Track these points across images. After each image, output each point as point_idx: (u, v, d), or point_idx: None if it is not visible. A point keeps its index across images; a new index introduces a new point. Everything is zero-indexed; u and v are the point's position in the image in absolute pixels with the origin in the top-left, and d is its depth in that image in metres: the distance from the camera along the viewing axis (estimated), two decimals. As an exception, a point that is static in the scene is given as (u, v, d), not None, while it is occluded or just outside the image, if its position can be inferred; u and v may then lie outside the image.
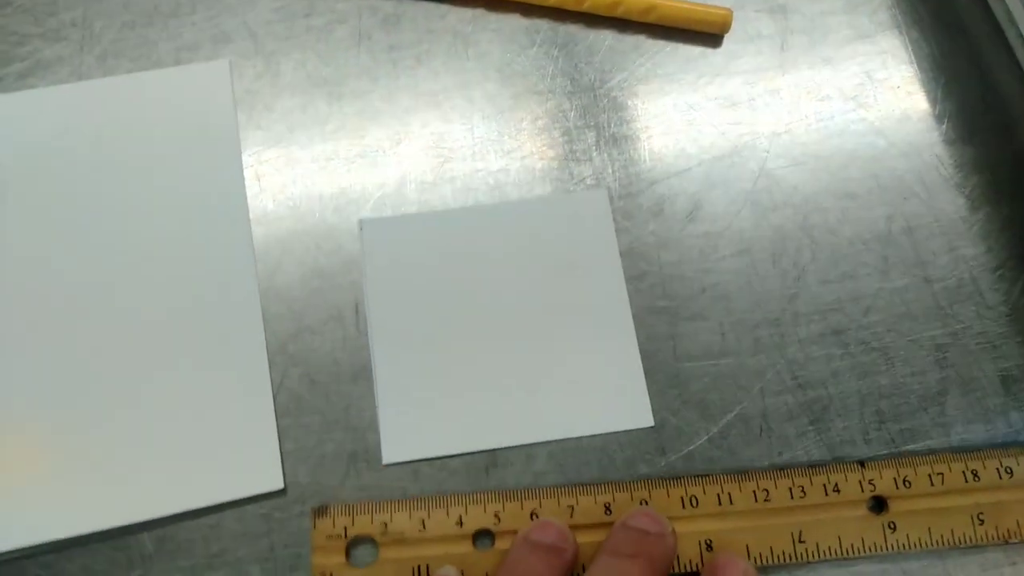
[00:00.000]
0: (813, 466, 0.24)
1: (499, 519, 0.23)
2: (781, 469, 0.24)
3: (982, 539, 0.23)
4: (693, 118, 0.29)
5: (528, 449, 0.25)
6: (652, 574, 0.22)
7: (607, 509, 0.23)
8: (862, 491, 0.24)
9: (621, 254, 0.27)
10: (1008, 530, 0.24)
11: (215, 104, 0.28)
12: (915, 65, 0.30)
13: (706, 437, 0.25)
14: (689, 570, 0.23)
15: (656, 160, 0.28)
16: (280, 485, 0.24)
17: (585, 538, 0.23)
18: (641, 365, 0.26)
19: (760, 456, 0.25)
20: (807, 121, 0.29)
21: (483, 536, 0.23)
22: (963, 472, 0.24)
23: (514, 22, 0.30)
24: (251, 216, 0.27)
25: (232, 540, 0.23)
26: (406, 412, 0.25)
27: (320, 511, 0.23)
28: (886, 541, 0.23)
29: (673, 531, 0.23)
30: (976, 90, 0.29)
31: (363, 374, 0.25)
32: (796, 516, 0.24)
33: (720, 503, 0.24)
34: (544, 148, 0.28)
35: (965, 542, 0.23)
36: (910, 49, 0.30)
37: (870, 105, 0.29)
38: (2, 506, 0.24)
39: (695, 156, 0.28)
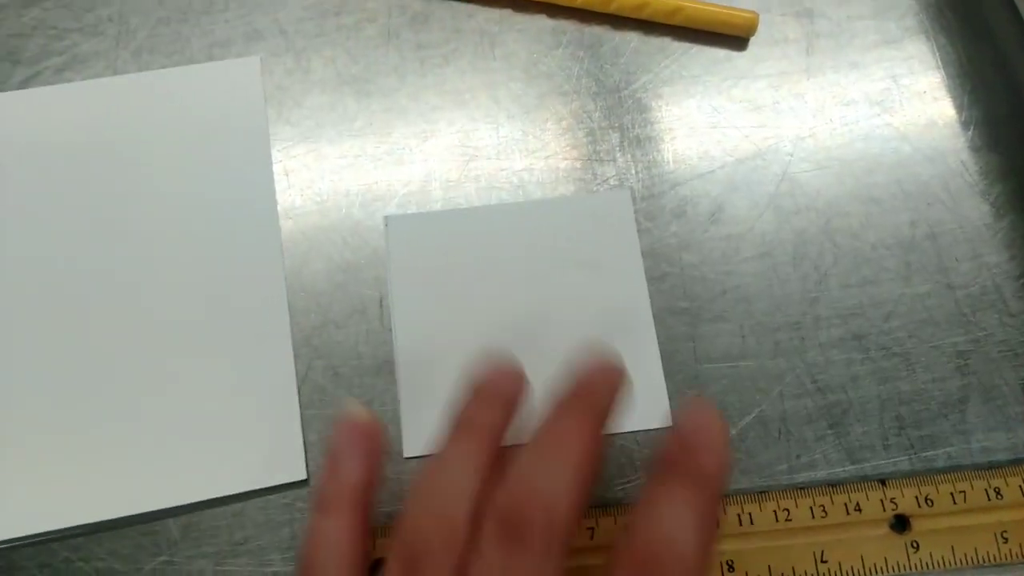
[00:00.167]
0: (834, 484, 0.24)
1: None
2: (802, 488, 0.24)
3: (1006, 558, 0.23)
4: (717, 121, 0.29)
5: (547, 446, 0.25)
6: (595, 426, 0.21)
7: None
8: (884, 510, 0.24)
9: (643, 254, 0.27)
10: (1032, 547, 0.24)
11: (246, 100, 0.28)
12: (942, 71, 0.30)
13: (724, 438, 0.25)
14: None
15: (679, 162, 0.28)
16: (303, 475, 0.24)
17: (606, 559, 0.23)
18: (661, 365, 0.26)
19: (778, 459, 0.25)
20: (832, 125, 0.29)
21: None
22: (986, 490, 0.24)
23: (541, 23, 0.30)
24: (279, 210, 0.27)
25: (255, 528, 0.24)
26: (428, 406, 0.25)
27: None
28: (909, 560, 0.23)
29: (623, 372, 0.22)
30: (1003, 98, 0.29)
31: (386, 368, 0.26)
32: (818, 536, 0.24)
33: (741, 523, 0.24)
34: (568, 148, 0.28)
35: (989, 561, 0.23)
36: (937, 55, 0.30)
37: (895, 110, 0.29)
38: (33, 491, 0.24)
39: (718, 159, 0.28)
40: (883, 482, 0.24)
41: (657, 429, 0.25)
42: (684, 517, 0.19)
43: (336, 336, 0.26)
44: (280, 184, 0.28)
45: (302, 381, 0.25)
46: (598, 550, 0.23)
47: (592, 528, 0.24)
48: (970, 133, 0.29)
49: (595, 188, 0.28)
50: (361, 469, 0.21)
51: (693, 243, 0.27)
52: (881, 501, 0.24)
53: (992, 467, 0.25)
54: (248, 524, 0.24)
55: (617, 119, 0.29)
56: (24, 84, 0.29)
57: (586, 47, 0.30)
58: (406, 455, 0.25)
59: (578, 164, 0.28)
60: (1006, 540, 0.23)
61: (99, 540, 0.24)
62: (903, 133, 0.29)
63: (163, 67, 0.29)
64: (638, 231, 0.27)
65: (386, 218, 0.27)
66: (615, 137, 0.29)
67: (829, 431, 0.25)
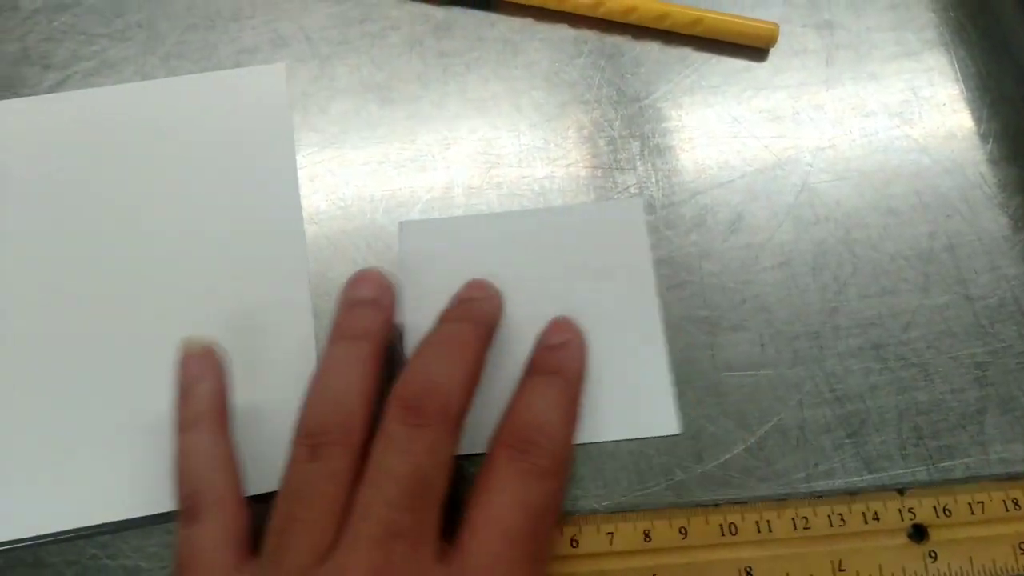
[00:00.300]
0: (852, 493, 0.25)
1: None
2: (820, 496, 0.25)
3: (1024, 569, 0.24)
4: (737, 131, 0.29)
5: (567, 451, 0.25)
6: (478, 330, 0.24)
7: (646, 536, 0.24)
8: (902, 519, 0.24)
9: (663, 262, 0.27)
10: (1050, 557, 0.24)
11: (270, 106, 0.29)
12: (961, 84, 0.30)
13: (743, 447, 0.25)
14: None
15: (699, 171, 0.29)
16: None
17: (624, 564, 0.24)
18: (669, 373, 0.26)
19: (796, 467, 0.25)
20: (851, 136, 0.29)
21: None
22: (1004, 501, 0.24)
23: (562, 32, 0.30)
24: (304, 215, 0.28)
25: (278, 528, 0.24)
26: None
27: None
28: (927, 570, 0.23)
29: (499, 292, 0.25)
30: (1022, 110, 0.29)
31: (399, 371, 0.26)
32: (836, 544, 0.24)
33: (759, 531, 0.24)
34: (589, 156, 0.29)
35: (1007, 572, 0.23)
36: (956, 67, 0.30)
37: (915, 122, 0.29)
38: (60, 488, 0.25)
39: (738, 168, 0.29)
40: (901, 491, 0.25)
41: (667, 437, 0.25)
42: (550, 402, 0.23)
43: (359, 340, 0.26)
44: (305, 189, 0.28)
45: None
46: (617, 555, 0.24)
47: (611, 534, 0.24)
48: (989, 146, 0.29)
49: (615, 196, 0.28)
50: (214, 387, 0.23)
51: (713, 252, 0.27)
52: (899, 510, 0.24)
53: (1010, 478, 0.25)
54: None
55: (638, 128, 0.29)
56: (54, 88, 0.29)
57: (607, 56, 0.30)
58: None
59: (599, 172, 0.29)
60: (1024, 551, 0.24)
61: (126, 538, 0.24)
62: (922, 145, 0.29)
63: (191, 73, 0.29)
64: (658, 239, 0.28)
65: (400, 223, 0.28)
66: (635, 146, 0.29)
67: (847, 440, 0.25)
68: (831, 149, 0.29)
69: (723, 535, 0.24)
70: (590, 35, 0.30)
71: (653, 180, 0.28)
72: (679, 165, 0.29)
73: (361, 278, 0.25)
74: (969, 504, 0.24)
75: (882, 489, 0.25)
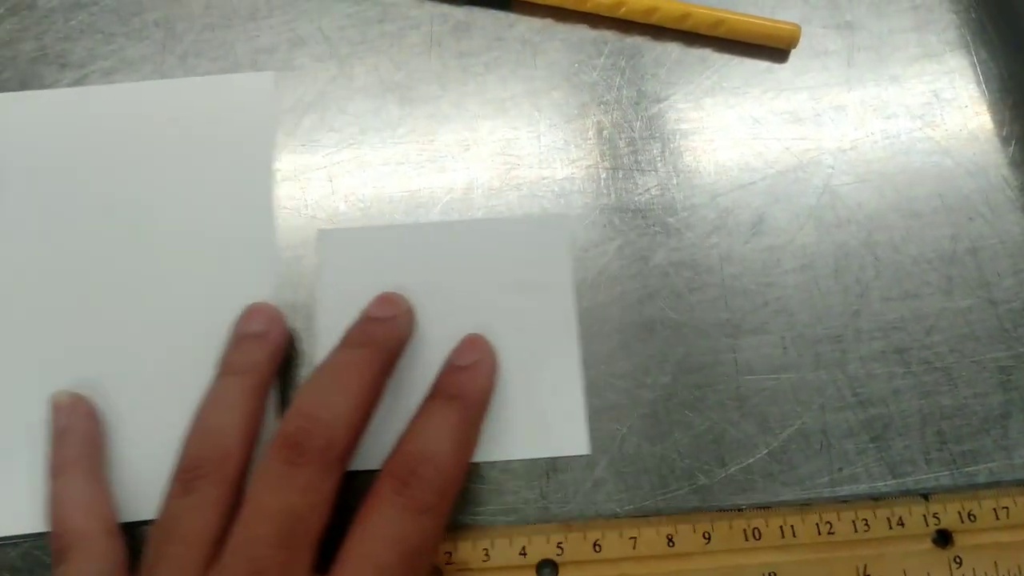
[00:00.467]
0: (876, 498, 0.24)
1: (562, 550, 0.24)
2: (844, 501, 0.24)
3: (1050, 573, 0.23)
4: (758, 132, 0.29)
5: (589, 456, 0.25)
6: (376, 359, 0.23)
7: (670, 541, 0.24)
8: (927, 525, 0.24)
9: (683, 265, 0.27)
10: (1075, 561, 0.23)
11: (256, 114, 0.29)
12: (983, 86, 0.30)
13: (766, 450, 0.25)
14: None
15: (720, 173, 0.28)
16: None
17: (648, 569, 0.23)
18: (582, 393, 0.26)
19: (819, 471, 0.25)
20: (873, 138, 0.29)
21: (546, 566, 0.24)
22: (1028, 504, 0.24)
23: (582, 32, 0.30)
24: (323, 215, 0.27)
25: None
26: None
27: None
28: (952, 576, 0.23)
29: (410, 311, 0.25)
30: (1045, 112, 0.29)
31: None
32: (860, 549, 0.24)
33: (783, 535, 0.24)
34: (610, 158, 0.29)
35: (1033, 575, 0.23)
36: (978, 69, 0.30)
37: (937, 124, 0.29)
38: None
39: (759, 170, 0.28)
40: (926, 497, 0.24)
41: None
42: (444, 431, 0.22)
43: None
44: (324, 190, 0.28)
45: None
46: (640, 559, 0.24)
47: (634, 538, 0.24)
48: (1011, 148, 0.29)
49: (637, 196, 0.28)
50: (83, 434, 0.24)
51: (734, 254, 0.27)
52: (924, 516, 0.24)
53: (1035, 481, 0.25)
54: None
55: (658, 129, 0.29)
56: (72, 87, 0.29)
57: (627, 57, 0.30)
58: None
59: (619, 174, 0.28)
60: (1049, 557, 0.23)
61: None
62: (944, 147, 0.29)
63: (209, 72, 0.29)
64: (679, 241, 0.27)
65: (319, 232, 0.27)
66: (656, 147, 0.29)
67: (871, 444, 0.25)
68: (853, 151, 0.29)
69: (747, 540, 0.24)
70: (610, 35, 0.30)
71: (674, 182, 0.28)
72: (700, 167, 0.29)
73: (250, 312, 0.25)
74: (994, 509, 0.24)
75: (906, 494, 0.25)
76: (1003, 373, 0.26)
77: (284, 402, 0.25)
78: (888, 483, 0.25)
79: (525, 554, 0.24)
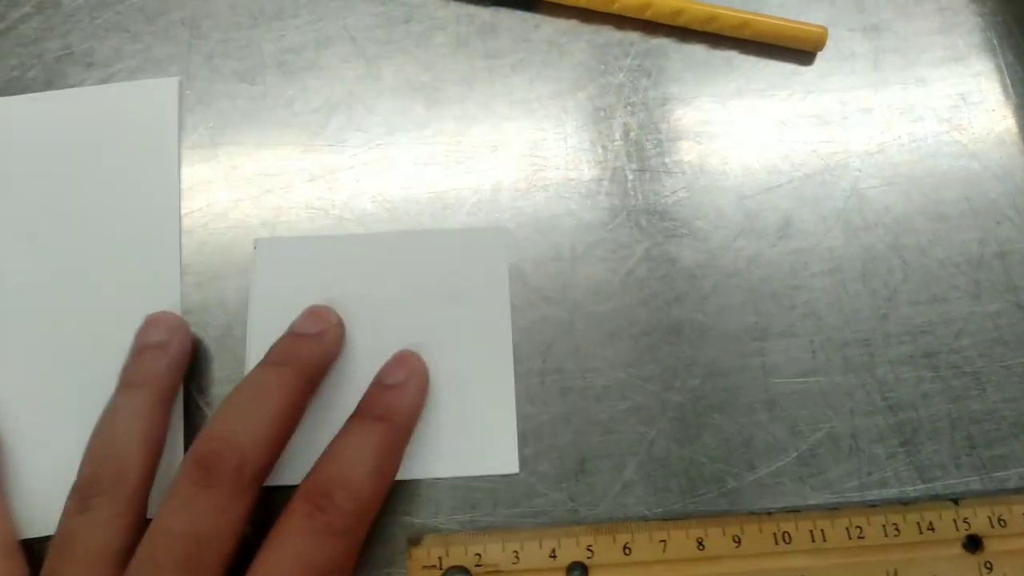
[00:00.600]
0: (906, 503, 0.24)
1: (592, 552, 0.24)
2: (874, 505, 0.24)
3: (1081, 579, 0.23)
4: (784, 135, 0.29)
5: (618, 458, 0.25)
6: (299, 378, 0.23)
7: (700, 544, 0.24)
8: (957, 529, 0.24)
9: (709, 267, 0.27)
10: (1106, 567, 0.23)
11: (159, 120, 0.28)
12: (1009, 89, 0.30)
13: (795, 454, 0.25)
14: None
15: (747, 175, 0.28)
16: None
17: (678, 573, 0.23)
18: (515, 410, 0.25)
19: (849, 475, 0.25)
20: (900, 141, 0.29)
21: (576, 569, 0.24)
22: (1059, 511, 0.24)
23: (608, 34, 0.30)
24: (351, 216, 0.27)
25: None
26: None
27: (414, 541, 0.24)
28: (983, 581, 0.23)
29: (338, 325, 0.25)
30: (1073, 116, 0.29)
31: (456, 375, 0.26)
32: (890, 554, 0.24)
33: (813, 539, 0.24)
34: (637, 159, 0.28)
35: (1063, 581, 0.23)
36: (1005, 72, 0.30)
37: (964, 127, 0.29)
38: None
39: (786, 172, 0.28)
40: (955, 501, 0.24)
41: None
42: (364, 453, 0.22)
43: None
44: (350, 190, 0.28)
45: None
46: (670, 563, 0.24)
47: (664, 541, 0.24)
48: (1039, 152, 0.29)
49: (664, 199, 0.28)
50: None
51: (761, 257, 0.27)
52: (954, 520, 0.24)
53: (1065, 488, 0.25)
54: (321, 528, 0.24)
55: (685, 131, 0.29)
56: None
57: (653, 58, 0.30)
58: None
59: (646, 176, 0.28)
60: (1080, 562, 0.23)
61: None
62: (971, 151, 0.29)
63: (235, 71, 0.29)
64: (705, 243, 0.27)
65: (255, 240, 0.27)
66: (683, 149, 0.29)
67: (900, 449, 0.25)
68: (880, 154, 0.29)
69: (777, 544, 0.24)
70: (635, 37, 0.30)
71: (701, 184, 0.28)
72: (726, 169, 0.28)
73: (150, 322, 0.25)
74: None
75: (936, 499, 0.25)
76: (1032, 378, 0.26)
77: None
78: (917, 487, 0.25)
79: (555, 556, 0.24)
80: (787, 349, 0.26)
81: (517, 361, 0.26)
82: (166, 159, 0.28)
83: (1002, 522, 0.24)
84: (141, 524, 0.21)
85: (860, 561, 0.24)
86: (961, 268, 0.27)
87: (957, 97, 0.29)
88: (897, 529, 0.24)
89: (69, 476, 0.22)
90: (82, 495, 0.21)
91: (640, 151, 0.29)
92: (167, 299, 0.26)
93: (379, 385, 0.24)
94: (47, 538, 0.23)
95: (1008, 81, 0.30)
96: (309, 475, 0.22)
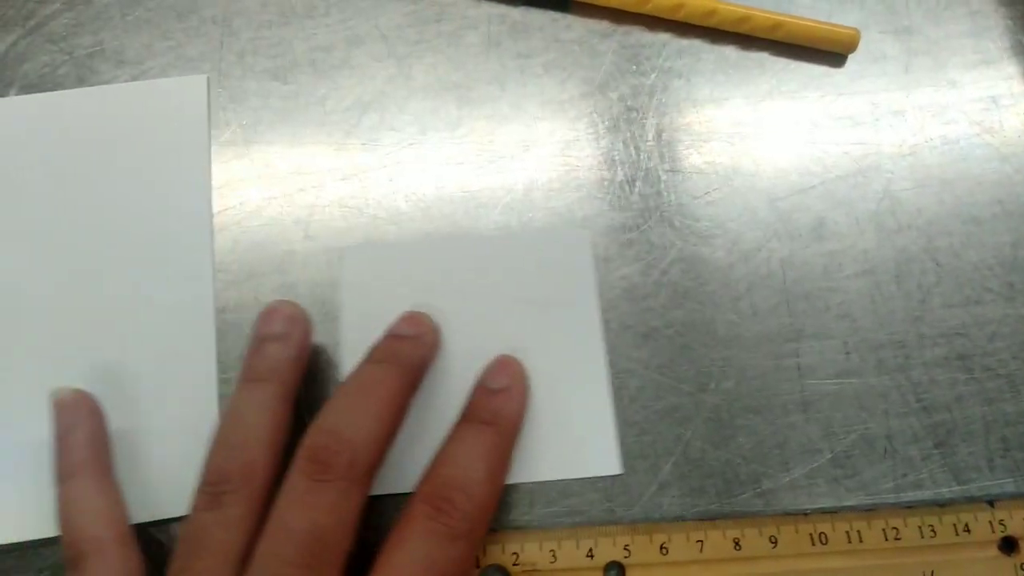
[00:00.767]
0: (942, 504, 0.24)
1: (629, 552, 0.24)
2: (910, 507, 0.24)
3: (1117, 580, 0.23)
4: (816, 136, 0.29)
5: (653, 459, 0.25)
6: (402, 376, 0.23)
7: (736, 544, 0.24)
8: (992, 531, 0.24)
9: (743, 268, 0.27)
10: None
11: (189, 117, 0.28)
12: (1040, 92, 0.30)
13: (830, 455, 0.25)
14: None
15: (779, 177, 0.28)
16: None
17: (715, 573, 0.23)
18: (612, 412, 0.25)
19: (884, 477, 0.25)
20: (932, 144, 0.29)
21: (613, 568, 0.24)
22: (1095, 513, 0.24)
23: (639, 35, 0.30)
24: (384, 215, 0.27)
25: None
26: None
27: None
28: (1018, 583, 0.23)
29: (435, 330, 0.25)
30: (1104, 120, 0.29)
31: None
32: (927, 556, 0.24)
33: (849, 540, 0.24)
34: (669, 160, 0.28)
35: (1098, 583, 0.23)
36: (1035, 76, 0.30)
37: (995, 130, 0.29)
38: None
39: (818, 174, 0.28)
40: (991, 503, 0.24)
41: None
42: (477, 457, 0.22)
43: (440, 342, 0.26)
44: (384, 189, 0.28)
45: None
46: (707, 563, 0.24)
47: (701, 541, 0.24)
48: (1070, 155, 0.29)
49: (697, 200, 0.28)
50: (89, 434, 0.24)
51: (795, 259, 0.27)
52: (990, 522, 0.24)
53: (1100, 491, 0.25)
54: (358, 527, 0.24)
55: (717, 132, 0.29)
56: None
57: (685, 59, 0.30)
58: None
59: (678, 177, 0.28)
60: (1115, 565, 0.23)
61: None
62: (1003, 154, 0.29)
63: (266, 70, 0.29)
64: (737, 244, 0.27)
65: (344, 249, 0.27)
66: (715, 150, 0.29)
67: (935, 451, 0.25)
68: (912, 156, 0.29)
69: (813, 544, 0.24)
70: (667, 38, 0.30)
71: (733, 185, 0.28)
72: (759, 170, 0.28)
73: (269, 312, 0.24)
74: (1060, 517, 0.24)
75: (970, 500, 0.25)
76: (1066, 380, 0.26)
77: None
78: (953, 489, 0.25)
79: (592, 556, 0.24)
80: (821, 350, 0.26)
81: (552, 361, 0.26)
82: (197, 156, 0.28)
83: (1038, 525, 0.24)
84: (263, 521, 0.21)
85: (896, 563, 0.24)
86: (994, 271, 0.27)
87: (988, 100, 0.29)
88: (933, 531, 0.24)
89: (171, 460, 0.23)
90: (212, 491, 0.21)
91: (673, 152, 0.29)
92: (200, 297, 0.26)
93: (484, 390, 0.24)
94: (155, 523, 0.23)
95: (1039, 84, 0.30)
96: (426, 479, 0.22)
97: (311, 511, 0.20)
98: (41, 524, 0.24)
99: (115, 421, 0.25)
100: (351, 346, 0.26)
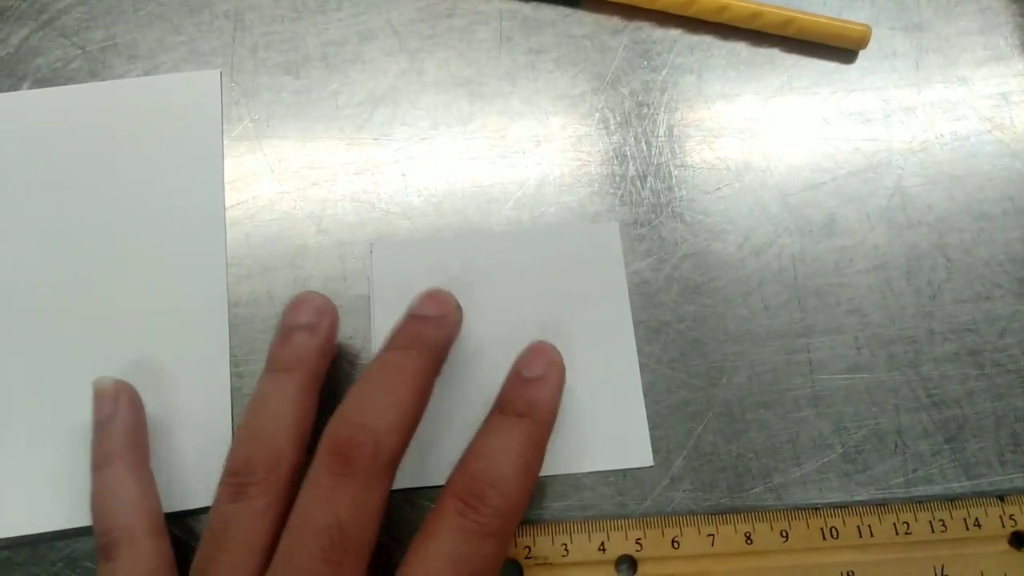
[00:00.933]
0: (952, 499, 0.25)
1: (641, 546, 0.24)
2: (920, 502, 0.25)
3: None
4: (827, 132, 0.29)
5: (665, 453, 0.25)
6: (425, 360, 0.22)
7: (748, 538, 0.24)
8: (1003, 526, 0.24)
9: (753, 263, 0.27)
10: None
11: (203, 111, 0.29)
12: (1051, 89, 0.30)
13: (840, 450, 0.25)
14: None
15: (791, 173, 0.28)
16: None
17: (726, 567, 0.24)
18: (643, 404, 0.25)
19: (894, 471, 0.25)
20: (942, 140, 0.29)
21: (625, 561, 0.24)
22: (1104, 507, 0.24)
23: (650, 31, 0.30)
24: (397, 210, 0.27)
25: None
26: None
27: None
28: (1029, 577, 0.23)
29: (458, 308, 0.24)
30: (1114, 116, 0.29)
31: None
32: (937, 550, 0.24)
33: (860, 535, 0.24)
34: (681, 155, 0.29)
35: (1109, 576, 0.23)
36: (1046, 72, 0.30)
37: (1006, 127, 0.29)
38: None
39: (829, 170, 0.29)
40: (1001, 498, 0.25)
41: (765, 440, 0.25)
42: (511, 451, 0.21)
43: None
44: (397, 184, 0.28)
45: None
46: (718, 556, 0.24)
47: (712, 535, 0.24)
48: (1080, 152, 0.29)
49: (707, 195, 0.28)
50: (127, 423, 0.24)
51: (806, 254, 0.27)
52: (1000, 517, 0.24)
53: (1111, 486, 0.25)
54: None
55: (728, 127, 0.29)
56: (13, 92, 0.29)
57: (696, 55, 0.30)
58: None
59: (690, 172, 0.28)
60: (1125, 559, 0.24)
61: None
62: (1014, 150, 0.29)
63: (278, 65, 0.29)
64: (749, 240, 0.27)
65: (372, 243, 0.27)
66: (726, 145, 0.29)
67: (945, 446, 0.25)
68: (922, 152, 0.29)
69: (824, 539, 0.24)
70: (677, 34, 0.30)
71: (744, 180, 0.28)
72: (770, 166, 0.29)
73: (298, 302, 0.24)
74: (1070, 512, 0.24)
75: (981, 495, 0.25)
76: (1076, 376, 0.26)
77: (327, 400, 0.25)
78: (963, 484, 0.25)
79: (604, 549, 0.24)
80: (832, 346, 0.26)
81: (564, 355, 0.26)
82: (209, 151, 0.28)
83: (1048, 519, 0.24)
84: (288, 513, 0.21)
85: (907, 557, 0.24)
86: (1005, 267, 0.27)
87: (999, 97, 0.30)
88: (944, 525, 0.24)
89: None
90: (236, 482, 0.21)
91: (684, 147, 0.29)
92: (213, 291, 0.26)
93: (519, 378, 0.23)
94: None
95: (1049, 81, 0.30)
96: (457, 472, 0.22)
97: (333, 506, 0.20)
98: (56, 517, 0.24)
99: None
100: (383, 340, 0.26)
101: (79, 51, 0.29)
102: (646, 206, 0.28)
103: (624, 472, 0.25)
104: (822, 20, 0.29)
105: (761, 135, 0.29)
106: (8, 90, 0.29)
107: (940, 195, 0.28)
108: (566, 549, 0.24)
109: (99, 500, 0.22)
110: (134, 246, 0.27)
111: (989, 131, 0.29)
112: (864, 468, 0.25)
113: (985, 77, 0.30)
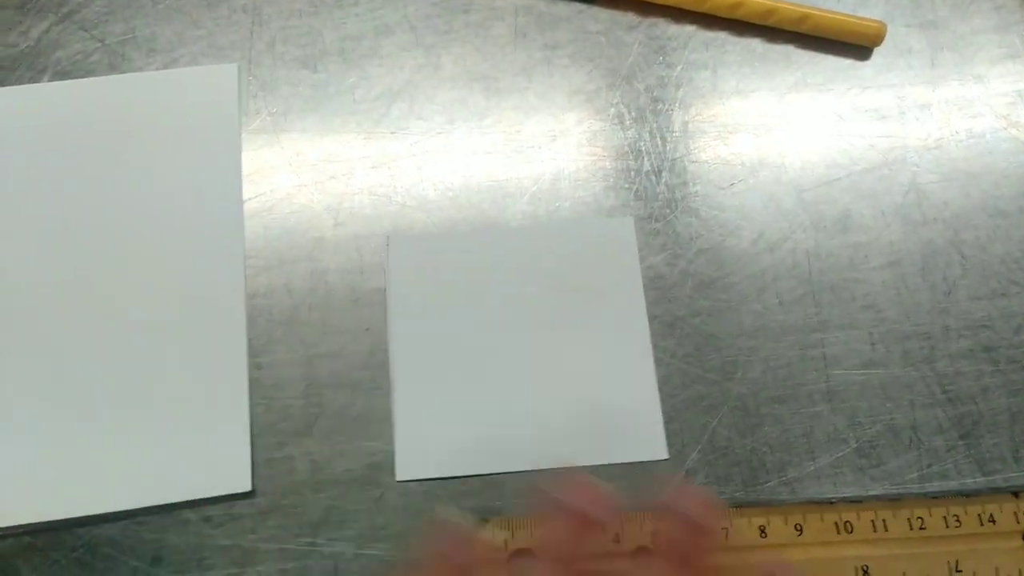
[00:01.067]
0: (967, 495, 0.25)
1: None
2: (935, 497, 0.25)
3: None
4: (842, 129, 0.29)
5: (680, 447, 0.25)
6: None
7: (762, 532, 0.24)
8: (1017, 522, 0.24)
9: (768, 259, 0.27)
10: None
11: (220, 104, 0.29)
12: (1066, 87, 0.30)
13: (855, 445, 0.25)
14: None
15: (805, 168, 0.29)
16: (247, 487, 0.24)
17: (742, 560, 0.24)
18: (658, 397, 0.26)
19: (909, 467, 0.25)
20: (957, 137, 0.29)
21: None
22: (1119, 503, 0.24)
23: (665, 27, 0.30)
24: (413, 203, 0.28)
25: (395, 514, 0.24)
26: (423, 429, 0.25)
27: (480, 524, 0.24)
28: (1044, 574, 0.23)
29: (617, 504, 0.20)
30: None
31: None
32: (952, 545, 0.24)
33: (875, 529, 0.24)
34: (695, 151, 0.29)
35: (1123, 573, 0.23)
36: (1062, 70, 0.30)
37: (1021, 125, 0.29)
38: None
39: (844, 167, 0.29)
40: (1016, 494, 0.25)
41: (780, 434, 0.25)
42: None
43: (468, 329, 0.26)
44: (413, 178, 0.28)
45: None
46: (733, 549, 0.24)
47: (727, 529, 0.24)
48: (1096, 150, 0.29)
49: (722, 191, 0.28)
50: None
51: (821, 250, 0.27)
52: (1015, 513, 0.24)
53: None
54: (387, 509, 0.24)
55: (743, 123, 0.29)
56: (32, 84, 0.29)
57: (711, 51, 0.30)
58: (399, 478, 0.25)
59: (704, 167, 0.28)
60: None
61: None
62: (1029, 147, 0.29)
63: (296, 59, 0.29)
64: (764, 235, 0.27)
65: (388, 237, 0.27)
66: (741, 141, 0.29)
67: (960, 442, 0.25)
68: (937, 149, 0.29)
69: (839, 533, 0.24)
70: (692, 30, 0.30)
71: (760, 175, 0.28)
72: (785, 162, 0.29)
73: (576, 482, 0.19)
74: (1085, 509, 0.24)
75: (996, 491, 0.25)
76: (1091, 373, 0.26)
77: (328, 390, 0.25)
78: (977, 480, 0.25)
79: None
80: (847, 341, 0.26)
81: (578, 349, 0.26)
82: (228, 144, 0.28)
83: (1063, 516, 0.24)
84: None
85: (921, 552, 0.24)
86: (1021, 264, 0.27)
87: (1015, 94, 0.30)
88: (958, 521, 0.24)
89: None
90: None
91: (698, 143, 0.29)
92: (231, 283, 0.27)
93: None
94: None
95: (1065, 79, 0.30)
96: None
97: None
98: (75, 503, 0.24)
99: (144, 405, 0.25)
100: (399, 332, 0.26)
101: (99, 44, 0.30)
102: (661, 201, 0.28)
103: (639, 465, 0.25)
104: (837, 16, 0.29)
105: (776, 131, 0.29)
106: (29, 82, 0.29)
107: (955, 192, 0.28)
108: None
109: None
110: (153, 238, 0.27)
111: (1005, 128, 0.29)
112: (879, 463, 0.25)
113: (1000, 75, 0.30)
